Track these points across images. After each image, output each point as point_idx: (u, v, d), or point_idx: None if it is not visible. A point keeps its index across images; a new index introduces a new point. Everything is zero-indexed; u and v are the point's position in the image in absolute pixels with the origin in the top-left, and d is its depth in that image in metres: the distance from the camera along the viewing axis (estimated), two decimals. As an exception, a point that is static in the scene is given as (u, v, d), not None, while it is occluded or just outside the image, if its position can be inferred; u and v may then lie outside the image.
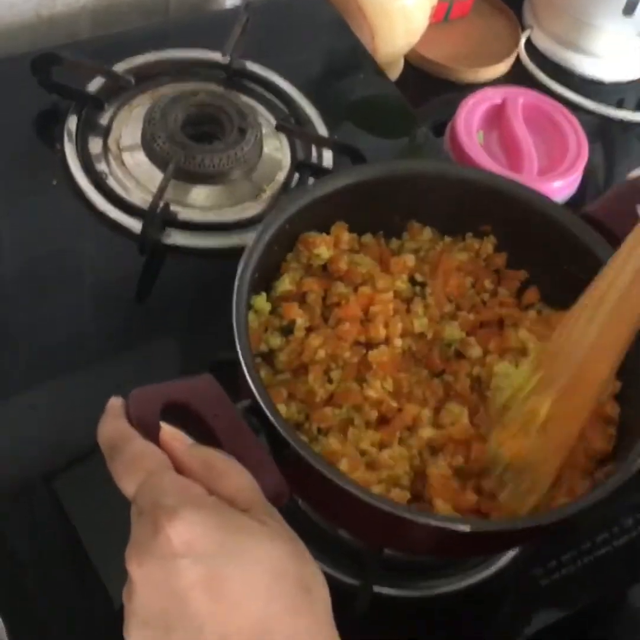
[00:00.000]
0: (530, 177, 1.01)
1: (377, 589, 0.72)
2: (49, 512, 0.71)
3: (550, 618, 0.75)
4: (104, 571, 0.68)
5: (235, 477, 0.52)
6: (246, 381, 0.62)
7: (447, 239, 0.78)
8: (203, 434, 0.57)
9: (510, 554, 0.76)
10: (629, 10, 1.14)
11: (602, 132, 1.16)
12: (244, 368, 0.62)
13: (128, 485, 0.51)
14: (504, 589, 0.76)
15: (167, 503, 0.48)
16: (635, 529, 0.79)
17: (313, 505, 0.68)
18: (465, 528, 0.58)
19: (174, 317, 0.83)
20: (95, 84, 0.93)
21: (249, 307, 0.69)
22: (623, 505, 0.79)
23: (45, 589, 0.69)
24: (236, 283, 0.66)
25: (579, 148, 1.05)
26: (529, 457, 0.64)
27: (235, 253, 0.69)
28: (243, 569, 0.48)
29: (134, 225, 0.84)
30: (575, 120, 1.07)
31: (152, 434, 0.54)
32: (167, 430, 0.54)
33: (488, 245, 0.77)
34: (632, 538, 0.78)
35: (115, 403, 0.56)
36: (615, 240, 0.72)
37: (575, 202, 1.04)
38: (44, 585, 0.69)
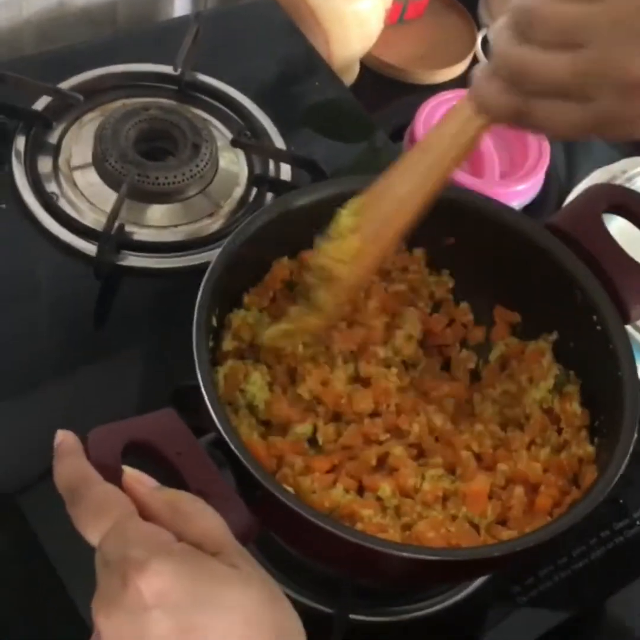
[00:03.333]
0: (492, 182, 1.00)
1: (353, 616, 0.70)
2: (16, 533, 0.70)
3: (530, 635, 0.74)
4: (75, 592, 0.67)
5: (203, 518, 0.51)
6: (209, 413, 0.60)
7: None
8: (167, 472, 0.56)
9: (486, 573, 0.75)
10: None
11: (562, 131, 1.15)
12: (207, 400, 0.60)
13: (92, 534, 0.49)
14: (482, 609, 0.74)
15: (135, 554, 0.46)
16: (611, 541, 0.78)
17: (282, 537, 0.66)
18: (437, 558, 0.57)
19: (133, 341, 0.81)
20: (42, 102, 0.90)
21: (210, 331, 0.66)
22: (599, 518, 0.78)
23: (16, 612, 0.68)
24: (196, 312, 0.63)
25: (540, 150, 1.03)
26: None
27: (194, 272, 0.68)
28: (216, 618, 0.46)
29: (88, 248, 0.82)
30: (535, 121, 1.06)
31: (113, 478, 0.52)
32: (130, 474, 0.52)
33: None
34: (609, 550, 0.77)
35: (69, 440, 0.54)
36: (580, 249, 0.72)
37: (538, 204, 1.03)
38: (11, 609, 0.68)
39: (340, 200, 0.70)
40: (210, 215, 0.87)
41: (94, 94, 0.92)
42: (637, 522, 0.79)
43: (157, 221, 0.86)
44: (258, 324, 0.71)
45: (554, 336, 0.73)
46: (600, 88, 0.53)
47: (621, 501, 0.80)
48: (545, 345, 0.73)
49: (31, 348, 0.79)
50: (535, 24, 0.55)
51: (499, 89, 0.58)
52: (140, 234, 0.84)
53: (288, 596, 0.50)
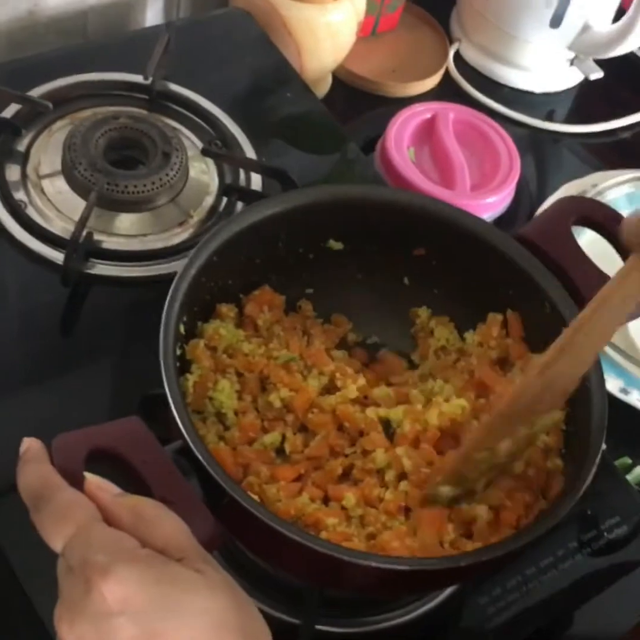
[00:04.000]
0: (463, 194, 1.00)
1: (319, 626, 0.70)
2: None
3: (500, 646, 0.74)
4: (38, 601, 0.66)
5: (167, 524, 0.51)
6: (175, 421, 0.59)
7: None
8: (131, 479, 0.55)
9: (454, 584, 0.74)
10: (555, 23, 1.14)
11: (533, 144, 1.16)
12: (172, 407, 0.60)
13: (56, 540, 0.49)
14: (450, 621, 0.74)
15: (98, 559, 0.46)
16: (579, 552, 0.78)
17: (247, 546, 0.66)
18: (404, 568, 0.57)
19: (102, 349, 0.80)
20: (11, 110, 0.89)
21: (178, 339, 0.66)
22: (567, 528, 0.78)
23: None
24: (163, 320, 0.63)
25: (511, 162, 1.04)
26: None
27: (163, 281, 0.68)
28: (182, 624, 0.46)
29: (56, 256, 0.81)
30: (506, 135, 1.07)
31: (76, 484, 0.52)
32: (91, 481, 0.52)
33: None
34: (577, 561, 0.77)
35: (35, 447, 0.53)
36: (549, 261, 0.72)
37: (509, 216, 1.04)
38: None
39: (310, 210, 0.70)
40: (180, 224, 0.87)
41: (64, 102, 0.92)
42: (605, 533, 0.79)
43: (126, 230, 0.85)
44: (231, 334, 0.71)
45: None
46: None
47: (589, 512, 0.80)
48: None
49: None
50: None
51: None
52: (109, 243, 0.84)
53: (253, 606, 0.50)
